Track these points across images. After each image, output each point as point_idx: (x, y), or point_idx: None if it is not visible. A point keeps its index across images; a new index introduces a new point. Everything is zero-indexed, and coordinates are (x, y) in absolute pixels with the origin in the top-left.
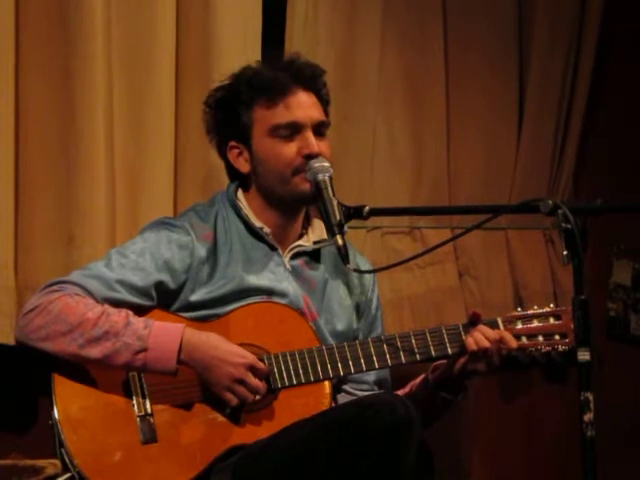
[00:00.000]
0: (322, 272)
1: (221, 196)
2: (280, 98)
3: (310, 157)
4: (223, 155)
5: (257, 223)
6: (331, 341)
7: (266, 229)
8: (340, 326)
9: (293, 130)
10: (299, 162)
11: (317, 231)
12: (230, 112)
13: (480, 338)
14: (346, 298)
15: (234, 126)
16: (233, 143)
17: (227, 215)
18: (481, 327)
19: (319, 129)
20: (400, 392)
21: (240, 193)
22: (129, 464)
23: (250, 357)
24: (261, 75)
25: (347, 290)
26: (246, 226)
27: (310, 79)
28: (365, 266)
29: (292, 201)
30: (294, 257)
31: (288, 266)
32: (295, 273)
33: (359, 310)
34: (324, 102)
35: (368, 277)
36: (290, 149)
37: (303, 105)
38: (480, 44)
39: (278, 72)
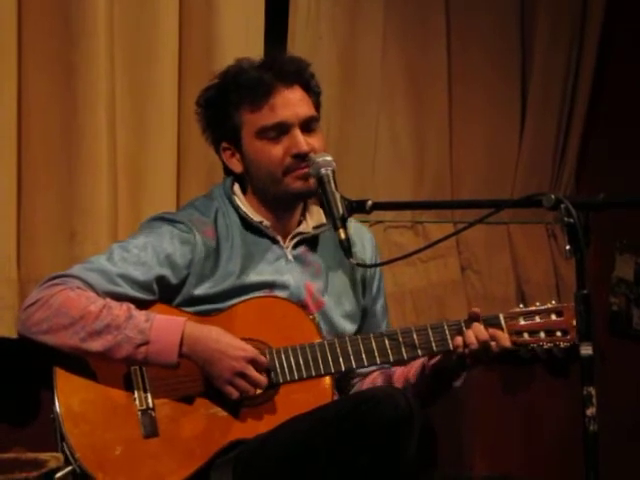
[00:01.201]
0: (324, 255)
1: (219, 191)
2: (265, 99)
3: (299, 156)
4: (218, 153)
5: (256, 218)
6: (342, 323)
7: (266, 222)
8: (348, 306)
9: (280, 130)
10: (289, 162)
11: (315, 216)
12: (220, 113)
13: (470, 336)
14: (350, 277)
15: (225, 127)
16: (225, 144)
17: (227, 211)
18: (475, 326)
19: (308, 125)
20: (399, 370)
21: (237, 188)
22: (130, 458)
23: (251, 350)
24: (246, 76)
25: (350, 268)
26: (245, 221)
27: (294, 74)
28: (365, 237)
29: (286, 199)
30: (296, 245)
31: (290, 257)
32: (299, 261)
33: (364, 285)
34: (313, 94)
35: (369, 250)
36: (278, 150)
37: (288, 103)
38: (482, 40)
39: (261, 72)
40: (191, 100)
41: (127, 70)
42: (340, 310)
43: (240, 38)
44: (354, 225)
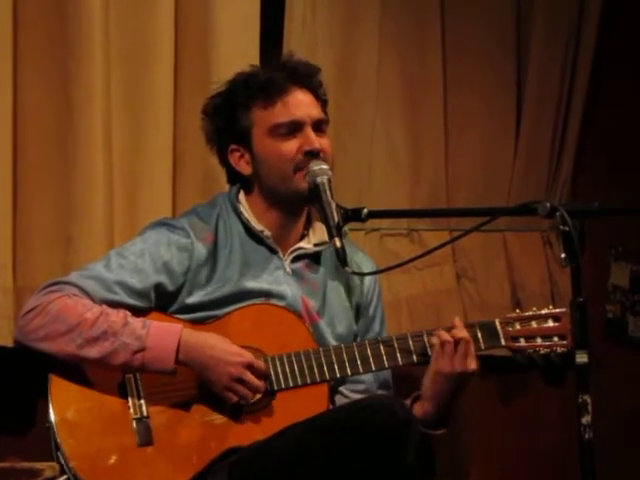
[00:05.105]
0: (323, 274)
1: (223, 198)
2: (277, 97)
3: (311, 154)
4: (224, 160)
5: (258, 226)
6: (332, 343)
7: (267, 232)
8: (341, 328)
9: (293, 128)
10: (300, 159)
11: (318, 233)
12: (228, 116)
13: (442, 332)
14: (346, 299)
15: (233, 130)
16: (233, 146)
17: (228, 217)
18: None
19: (319, 126)
20: None
21: (242, 196)
22: (125, 467)
23: (248, 356)
24: (256, 77)
25: (348, 291)
26: (247, 229)
27: (306, 77)
28: (366, 264)
29: (294, 200)
30: (295, 260)
31: (288, 269)
32: (296, 276)
33: (359, 311)
34: (322, 101)
35: (369, 277)
36: (291, 146)
37: (301, 103)
38: (478, 47)
39: (273, 72)
40: (187, 106)
41: (123, 76)
42: (332, 331)
43: (236, 44)
44: (358, 253)
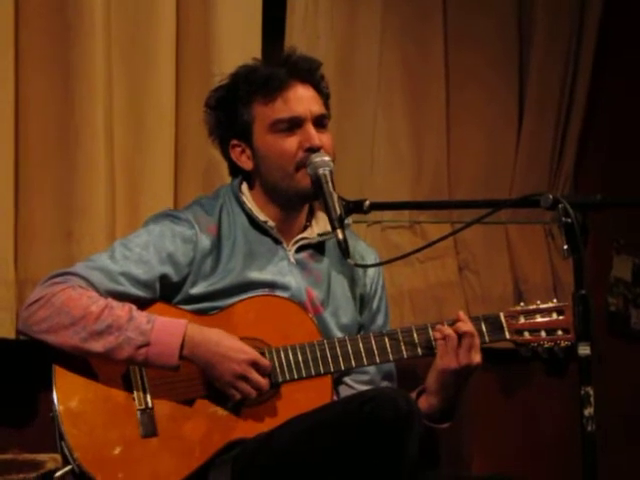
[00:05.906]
0: (327, 264)
1: (225, 189)
2: (278, 93)
3: (312, 150)
4: (226, 154)
5: (261, 217)
6: (337, 334)
7: (270, 223)
8: (345, 319)
9: (293, 124)
10: (301, 156)
11: (321, 223)
12: (230, 111)
13: (445, 327)
14: (350, 290)
15: (234, 124)
16: (235, 141)
17: (232, 209)
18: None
19: (320, 121)
20: None
21: (245, 187)
22: (129, 458)
23: (252, 353)
24: (258, 72)
25: (351, 282)
26: (250, 220)
27: (307, 72)
28: (369, 255)
29: (294, 197)
30: (299, 250)
31: (292, 260)
32: (300, 266)
33: (363, 302)
34: (323, 95)
35: (372, 270)
36: (291, 143)
37: (302, 99)
38: (480, 40)
39: (275, 68)
40: (189, 99)
41: (124, 70)
42: (336, 321)
43: (238, 36)
44: (362, 245)
